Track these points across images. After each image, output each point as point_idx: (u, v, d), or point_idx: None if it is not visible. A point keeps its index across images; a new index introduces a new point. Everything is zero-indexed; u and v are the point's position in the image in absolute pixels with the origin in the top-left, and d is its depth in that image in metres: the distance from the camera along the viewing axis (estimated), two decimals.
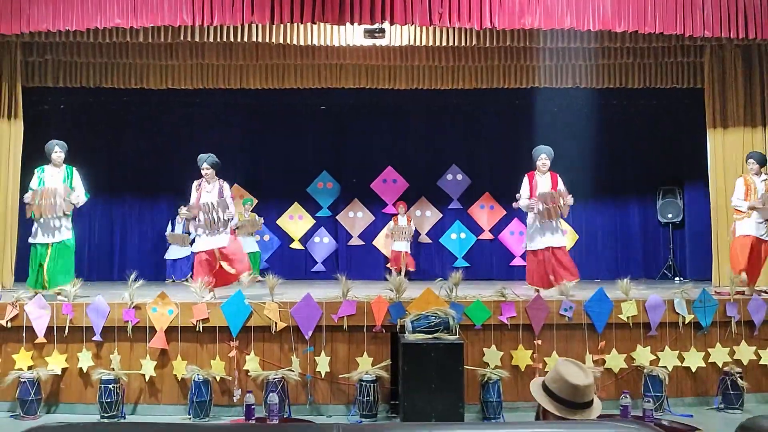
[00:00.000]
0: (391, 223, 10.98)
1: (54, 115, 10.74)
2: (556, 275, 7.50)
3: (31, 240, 7.31)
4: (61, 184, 7.26)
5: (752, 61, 9.05)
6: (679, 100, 10.51)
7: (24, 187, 8.89)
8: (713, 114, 9.08)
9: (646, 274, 10.97)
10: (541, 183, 7.72)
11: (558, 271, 7.53)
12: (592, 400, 2.58)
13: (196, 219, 7.42)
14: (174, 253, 10.68)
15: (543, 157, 7.74)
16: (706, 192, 9.28)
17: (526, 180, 7.80)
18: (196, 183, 7.57)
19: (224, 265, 7.35)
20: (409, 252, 10.83)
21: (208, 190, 7.44)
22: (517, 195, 7.86)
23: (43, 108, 10.52)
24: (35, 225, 7.27)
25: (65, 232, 7.27)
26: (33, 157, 9.45)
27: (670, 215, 10.97)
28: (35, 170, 7.41)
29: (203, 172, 7.48)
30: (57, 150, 7.36)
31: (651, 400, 6.02)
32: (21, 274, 8.83)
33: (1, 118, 8.69)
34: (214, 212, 7.25)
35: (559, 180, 7.76)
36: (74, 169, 7.47)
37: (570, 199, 7.61)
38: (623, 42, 8.46)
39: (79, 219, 10.28)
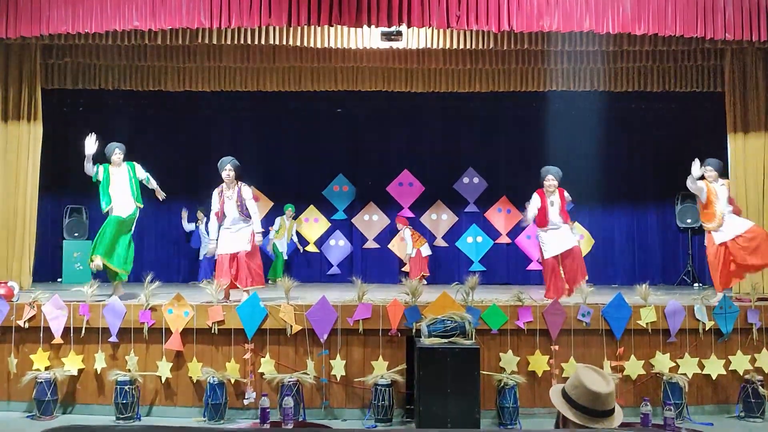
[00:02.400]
0: (408, 237, 10.85)
1: (73, 117, 10.81)
2: (571, 278, 7.46)
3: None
4: (127, 187, 7.55)
5: None
6: (699, 104, 10.39)
7: (42, 189, 8.97)
8: (734, 118, 8.96)
9: (664, 280, 10.85)
10: (552, 203, 7.67)
11: (573, 272, 7.49)
12: (614, 408, 2.52)
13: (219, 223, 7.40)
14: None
15: (549, 178, 7.74)
16: None
17: (536, 199, 7.74)
18: (217, 190, 7.40)
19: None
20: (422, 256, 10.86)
21: (229, 195, 7.29)
22: (527, 212, 7.83)
23: (62, 110, 10.63)
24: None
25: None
26: (52, 158, 9.55)
27: (689, 220, 10.83)
28: (98, 166, 7.52)
29: (226, 174, 7.29)
30: (117, 152, 7.63)
31: (671, 408, 5.94)
32: (39, 275, 8.91)
33: (21, 119, 8.74)
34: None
35: (566, 195, 7.73)
36: (135, 164, 7.71)
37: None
38: (642, 45, 8.36)
39: (95, 221, 10.37)
